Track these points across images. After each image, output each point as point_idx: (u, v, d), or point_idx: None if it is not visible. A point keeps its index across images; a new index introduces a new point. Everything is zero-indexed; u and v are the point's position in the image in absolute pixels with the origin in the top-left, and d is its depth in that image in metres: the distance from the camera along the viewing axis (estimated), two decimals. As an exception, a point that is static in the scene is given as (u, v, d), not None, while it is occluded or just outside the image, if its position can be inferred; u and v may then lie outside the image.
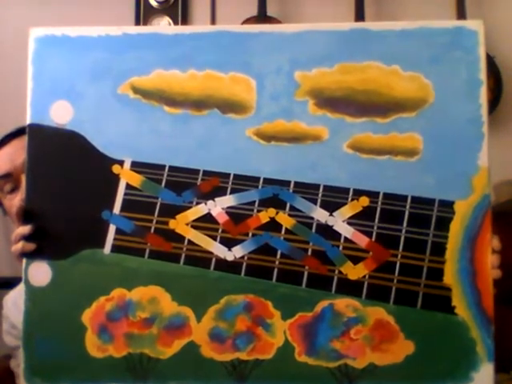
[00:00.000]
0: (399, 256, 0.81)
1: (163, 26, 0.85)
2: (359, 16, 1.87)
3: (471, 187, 0.81)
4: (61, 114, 0.85)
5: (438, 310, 0.81)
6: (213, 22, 1.97)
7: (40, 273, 0.84)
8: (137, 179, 0.84)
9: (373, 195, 0.82)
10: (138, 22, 1.96)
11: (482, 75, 0.82)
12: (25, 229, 0.83)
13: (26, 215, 0.84)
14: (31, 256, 0.84)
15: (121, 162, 0.84)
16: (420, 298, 0.81)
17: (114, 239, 0.84)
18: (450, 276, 0.81)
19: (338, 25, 0.85)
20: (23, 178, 0.97)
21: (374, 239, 0.82)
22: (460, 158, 0.82)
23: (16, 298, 1.06)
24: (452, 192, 0.82)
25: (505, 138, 1.68)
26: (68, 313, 0.83)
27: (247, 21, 1.91)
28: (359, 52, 0.83)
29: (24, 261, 0.84)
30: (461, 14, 1.81)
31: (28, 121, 0.86)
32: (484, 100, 0.82)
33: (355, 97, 0.83)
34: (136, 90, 0.85)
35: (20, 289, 1.08)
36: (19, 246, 0.83)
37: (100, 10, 1.95)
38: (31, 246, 0.83)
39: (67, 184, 0.85)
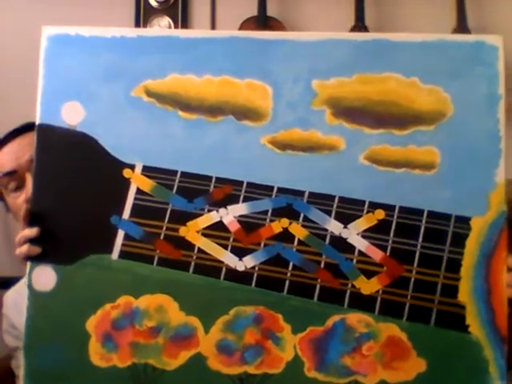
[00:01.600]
0: (414, 271, 0.80)
1: (179, 29, 0.83)
2: (359, 16, 1.88)
3: (488, 204, 0.80)
4: (72, 115, 0.83)
5: (451, 328, 0.80)
6: (213, 22, 1.97)
7: (44, 277, 0.81)
8: (148, 184, 0.82)
9: (389, 208, 0.80)
10: (138, 22, 1.96)
11: (501, 90, 0.81)
12: (31, 231, 0.81)
13: (31, 217, 0.82)
14: (36, 260, 0.81)
15: (132, 166, 0.82)
16: (434, 315, 0.80)
17: (122, 245, 0.82)
18: (465, 294, 0.80)
19: (357, 34, 0.84)
20: (28, 177, 0.95)
21: (388, 254, 0.80)
22: (477, 174, 0.80)
23: (17, 298, 1.04)
24: (468, 208, 0.80)
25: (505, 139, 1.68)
26: (72, 319, 0.81)
27: (247, 21, 1.91)
28: (378, 63, 0.82)
29: (28, 264, 0.82)
30: (461, 15, 1.80)
31: (37, 120, 0.84)
32: (502, 115, 0.81)
33: (373, 107, 0.81)
34: (150, 94, 0.83)
35: (19, 288, 1.06)
36: (24, 248, 0.81)
37: (100, 9, 1.95)
38: (37, 250, 0.81)
39: (76, 187, 0.83)
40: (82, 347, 0.80)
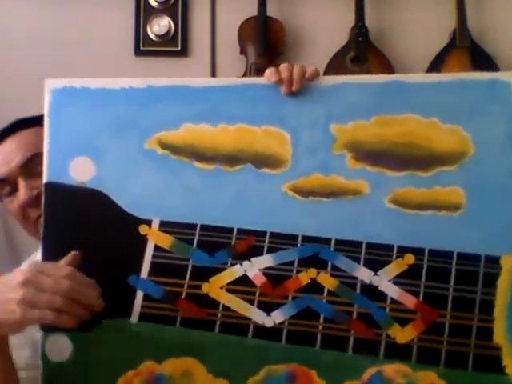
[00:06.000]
0: (448, 316, 0.77)
1: (190, 78, 0.80)
2: (359, 16, 1.87)
3: (516, 241, 0.78)
4: (81, 172, 0.79)
5: (488, 371, 0.77)
6: (213, 22, 1.96)
7: (59, 347, 0.76)
8: (166, 240, 0.78)
9: (418, 252, 0.78)
10: (137, 22, 1.94)
11: (520, 126, 0.80)
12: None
13: None
14: (48, 328, 0.76)
15: (148, 222, 0.78)
16: (471, 360, 0.77)
17: (142, 307, 0.77)
18: (500, 335, 0.77)
19: (373, 77, 0.83)
20: (20, 182, 0.90)
21: (421, 299, 0.77)
22: (503, 212, 0.79)
23: None
24: (497, 247, 0.78)
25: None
26: (91, 391, 0.75)
27: (247, 21, 1.91)
28: (396, 104, 0.80)
29: (41, 334, 0.76)
30: (461, 15, 1.82)
31: (44, 179, 0.79)
32: (524, 150, 0.80)
33: (395, 150, 0.80)
34: (164, 146, 0.80)
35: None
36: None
37: (100, 9, 1.93)
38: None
39: (88, 247, 0.78)
40: (104, 421, 0.74)
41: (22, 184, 0.90)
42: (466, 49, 1.83)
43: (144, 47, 1.96)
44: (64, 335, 0.76)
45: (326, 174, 0.79)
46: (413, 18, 1.94)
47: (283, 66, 0.81)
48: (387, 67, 1.86)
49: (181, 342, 0.76)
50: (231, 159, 0.79)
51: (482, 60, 1.78)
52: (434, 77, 0.82)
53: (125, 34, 1.94)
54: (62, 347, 0.76)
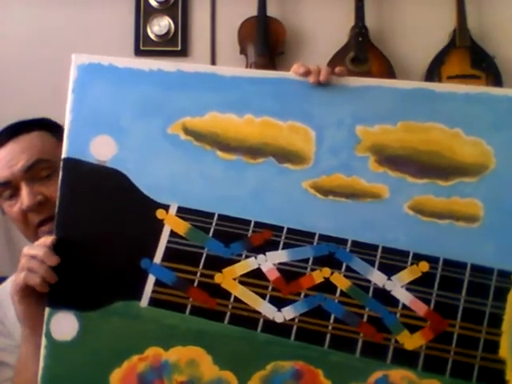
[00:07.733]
0: (457, 326, 0.77)
1: (221, 67, 0.80)
2: (359, 16, 1.87)
3: (529, 258, 0.79)
4: (102, 150, 0.78)
5: (491, 384, 0.77)
6: (213, 22, 1.96)
7: (65, 325, 0.75)
8: (182, 226, 0.77)
9: (432, 261, 0.78)
10: (138, 22, 1.95)
11: (544, 144, 0.81)
12: (52, 259, 0.73)
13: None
14: (56, 305, 0.74)
15: (166, 207, 0.77)
16: (475, 371, 0.77)
17: (153, 291, 0.76)
18: (506, 349, 0.78)
19: (402, 82, 0.83)
20: (23, 186, 0.89)
21: (432, 307, 0.77)
22: (519, 228, 0.79)
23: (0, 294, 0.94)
24: (510, 262, 0.79)
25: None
26: (95, 372, 0.74)
27: (247, 21, 1.91)
28: (422, 112, 0.81)
29: (46, 310, 0.75)
30: (461, 15, 1.82)
31: (64, 154, 0.78)
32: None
33: (418, 157, 0.80)
34: (188, 131, 0.79)
35: (4, 286, 0.97)
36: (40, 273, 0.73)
37: (100, 9, 1.94)
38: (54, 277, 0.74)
39: (103, 226, 0.77)
40: (105, 404, 0.73)
41: (25, 189, 0.89)
42: (466, 49, 1.82)
43: (144, 47, 1.96)
44: (71, 313, 0.74)
45: (348, 175, 0.79)
46: (413, 18, 1.94)
47: (310, 64, 0.81)
48: (387, 67, 1.86)
49: (189, 330, 0.75)
50: (254, 151, 0.79)
51: (482, 60, 1.78)
52: (461, 88, 0.82)
53: (125, 33, 1.95)
54: (67, 326, 0.74)
